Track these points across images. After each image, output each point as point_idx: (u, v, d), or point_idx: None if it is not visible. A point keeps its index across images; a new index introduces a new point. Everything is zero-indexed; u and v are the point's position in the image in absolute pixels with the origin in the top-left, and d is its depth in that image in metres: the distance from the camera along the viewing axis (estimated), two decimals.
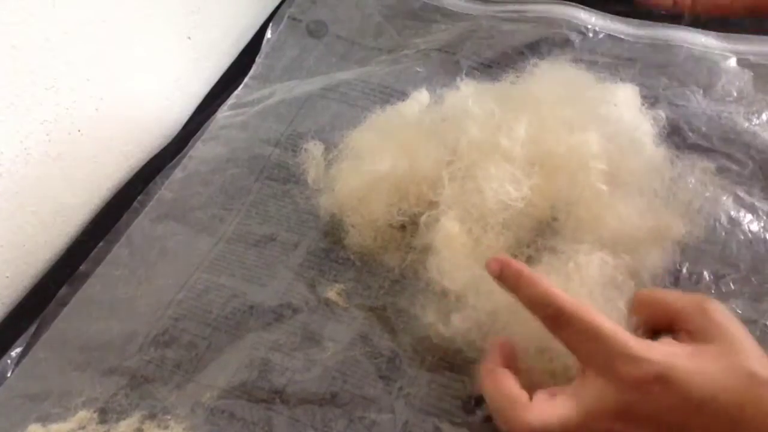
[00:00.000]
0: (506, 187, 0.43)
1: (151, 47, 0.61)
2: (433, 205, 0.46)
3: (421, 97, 0.56)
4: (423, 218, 0.46)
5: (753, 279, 0.44)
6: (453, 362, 0.43)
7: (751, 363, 0.34)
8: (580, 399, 0.35)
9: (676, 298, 0.39)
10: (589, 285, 0.40)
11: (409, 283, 0.47)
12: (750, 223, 0.47)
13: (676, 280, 0.45)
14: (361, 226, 0.49)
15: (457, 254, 0.43)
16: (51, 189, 0.54)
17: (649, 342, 0.35)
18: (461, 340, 0.42)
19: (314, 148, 0.55)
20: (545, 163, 0.46)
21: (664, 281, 0.45)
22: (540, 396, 0.36)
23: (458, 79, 0.54)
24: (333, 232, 0.50)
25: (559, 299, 0.35)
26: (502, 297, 0.39)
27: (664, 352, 0.34)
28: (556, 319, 0.36)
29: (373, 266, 0.49)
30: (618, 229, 0.43)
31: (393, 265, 0.48)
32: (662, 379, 0.33)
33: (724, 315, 0.36)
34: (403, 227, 0.49)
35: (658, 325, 0.38)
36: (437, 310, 0.44)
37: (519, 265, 0.38)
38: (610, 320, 0.35)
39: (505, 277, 0.38)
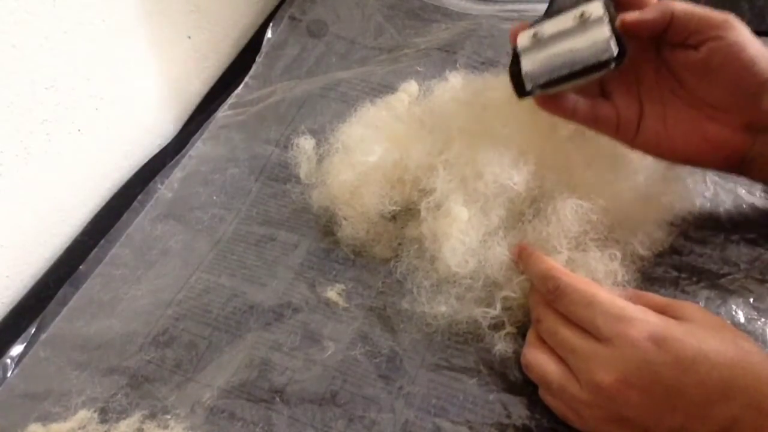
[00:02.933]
0: (508, 171, 0.43)
1: (151, 47, 0.61)
2: (426, 192, 0.46)
3: (410, 88, 0.56)
4: (423, 204, 0.46)
5: (753, 279, 0.44)
6: (453, 360, 0.43)
7: (738, 335, 0.36)
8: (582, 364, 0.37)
9: (661, 299, 0.40)
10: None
11: (409, 276, 0.47)
12: (750, 223, 0.47)
13: (676, 279, 0.45)
14: (353, 219, 0.49)
15: (470, 238, 0.43)
16: (51, 189, 0.54)
17: (643, 308, 0.37)
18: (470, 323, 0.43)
19: (305, 143, 0.55)
20: (544, 145, 0.46)
21: (663, 280, 0.45)
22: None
23: (447, 71, 0.54)
24: (332, 231, 0.51)
25: (559, 273, 0.40)
26: (508, 279, 0.43)
27: (658, 316, 0.37)
28: (556, 289, 0.39)
29: (373, 265, 0.49)
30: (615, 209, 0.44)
31: (386, 257, 0.49)
32: (656, 338, 0.35)
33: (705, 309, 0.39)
34: (393, 218, 0.49)
35: None
36: (445, 297, 0.44)
37: (532, 248, 0.43)
38: (605, 290, 0.38)
39: (521, 258, 0.43)
